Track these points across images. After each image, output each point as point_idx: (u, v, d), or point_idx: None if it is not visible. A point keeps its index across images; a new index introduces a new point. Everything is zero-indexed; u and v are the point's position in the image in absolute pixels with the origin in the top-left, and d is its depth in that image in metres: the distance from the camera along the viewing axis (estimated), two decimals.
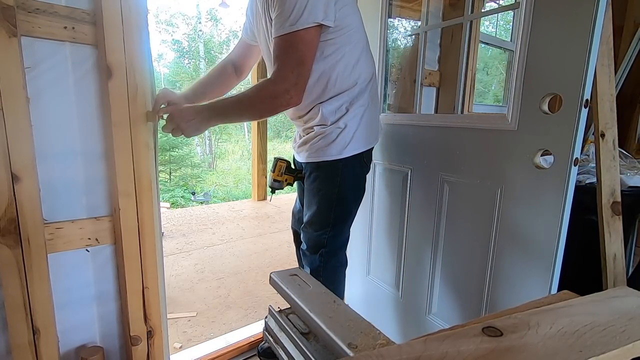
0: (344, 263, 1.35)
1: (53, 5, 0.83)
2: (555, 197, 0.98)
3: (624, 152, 1.54)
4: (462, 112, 2.16)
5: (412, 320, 1.50)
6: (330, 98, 1.15)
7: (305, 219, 1.31)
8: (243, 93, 1.03)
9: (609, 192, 0.98)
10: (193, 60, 16.82)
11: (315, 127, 1.19)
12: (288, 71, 1.00)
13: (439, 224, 1.35)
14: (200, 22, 16.80)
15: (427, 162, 1.37)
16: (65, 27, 0.85)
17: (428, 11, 1.87)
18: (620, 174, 1.28)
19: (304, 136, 1.24)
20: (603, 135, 0.96)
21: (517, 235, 1.09)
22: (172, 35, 16.88)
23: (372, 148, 1.28)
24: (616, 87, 1.58)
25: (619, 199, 0.98)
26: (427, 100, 2.08)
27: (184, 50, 17.02)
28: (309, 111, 1.19)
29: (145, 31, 0.93)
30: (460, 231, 1.28)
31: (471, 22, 2.07)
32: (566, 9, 0.93)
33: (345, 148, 1.17)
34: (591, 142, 1.73)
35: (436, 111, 2.12)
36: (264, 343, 1.44)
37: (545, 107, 0.99)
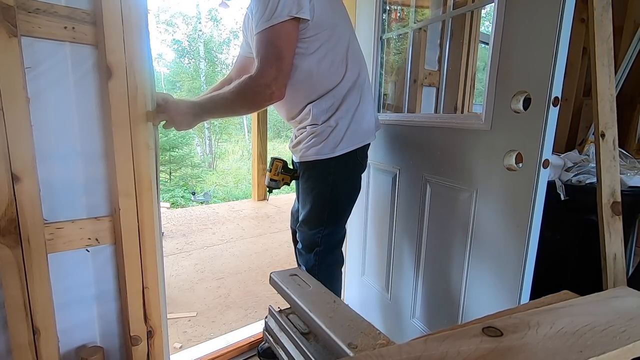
0: (339, 262, 1.35)
1: (53, 5, 0.83)
2: (524, 201, 0.95)
3: (624, 152, 1.54)
4: (459, 111, 2.16)
5: (399, 323, 1.49)
6: (320, 97, 1.16)
7: (300, 217, 1.31)
8: (229, 89, 1.05)
9: (609, 192, 0.97)
10: (193, 60, 16.82)
11: (307, 127, 1.20)
12: (267, 66, 1.02)
13: (422, 227, 1.33)
14: (200, 22, 16.80)
15: (412, 163, 1.36)
16: (65, 27, 0.85)
17: (416, 10, 1.87)
18: (620, 174, 1.28)
19: (298, 136, 1.25)
20: (603, 135, 0.96)
21: (490, 241, 1.07)
22: (172, 35, 16.89)
23: (367, 146, 1.27)
24: (616, 87, 1.58)
25: (619, 199, 0.98)
26: (427, 100, 2.08)
27: (184, 50, 17.03)
28: (301, 111, 1.20)
29: (145, 31, 0.93)
30: (440, 235, 1.26)
31: (471, 20, 2.07)
32: (534, 2, 0.90)
33: (337, 146, 1.18)
34: (591, 142, 1.74)
35: (436, 111, 2.13)
36: (264, 343, 1.44)
37: (516, 106, 0.96)
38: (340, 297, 1.46)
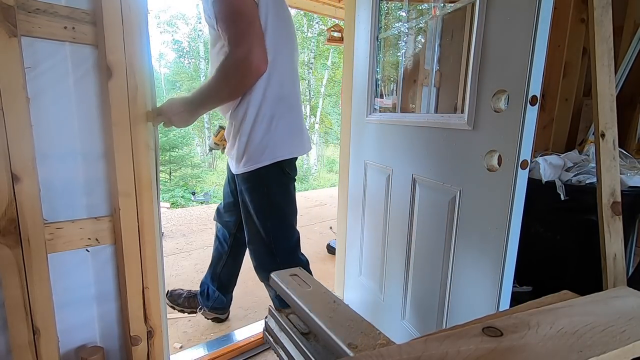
0: (303, 262, 1.31)
1: (53, 5, 0.83)
2: (503, 204, 0.93)
3: (624, 152, 1.54)
4: (459, 111, 2.15)
5: (390, 324, 1.48)
6: (238, 104, 1.11)
7: (246, 238, 1.28)
8: (212, 76, 1.02)
9: (609, 192, 0.97)
10: (193, 60, 16.82)
11: (241, 129, 1.14)
12: (240, 36, 0.95)
13: (412, 228, 1.31)
14: (200, 22, 16.78)
15: (403, 162, 1.35)
16: (65, 27, 0.85)
17: (409, 10, 1.86)
18: (620, 174, 1.28)
19: (230, 140, 1.20)
20: (603, 135, 0.96)
21: (472, 246, 1.05)
22: (172, 35, 16.88)
23: (294, 159, 1.23)
24: (616, 87, 1.58)
25: (619, 199, 0.98)
26: (427, 100, 2.08)
27: (184, 50, 17.02)
28: (238, 106, 1.13)
29: (145, 31, 0.93)
30: (427, 238, 1.24)
31: (471, 19, 2.06)
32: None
33: (262, 156, 1.13)
34: (591, 142, 1.74)
35: (436, 111, 2.12)
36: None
37: (496, 105, 0.94)
38: None
